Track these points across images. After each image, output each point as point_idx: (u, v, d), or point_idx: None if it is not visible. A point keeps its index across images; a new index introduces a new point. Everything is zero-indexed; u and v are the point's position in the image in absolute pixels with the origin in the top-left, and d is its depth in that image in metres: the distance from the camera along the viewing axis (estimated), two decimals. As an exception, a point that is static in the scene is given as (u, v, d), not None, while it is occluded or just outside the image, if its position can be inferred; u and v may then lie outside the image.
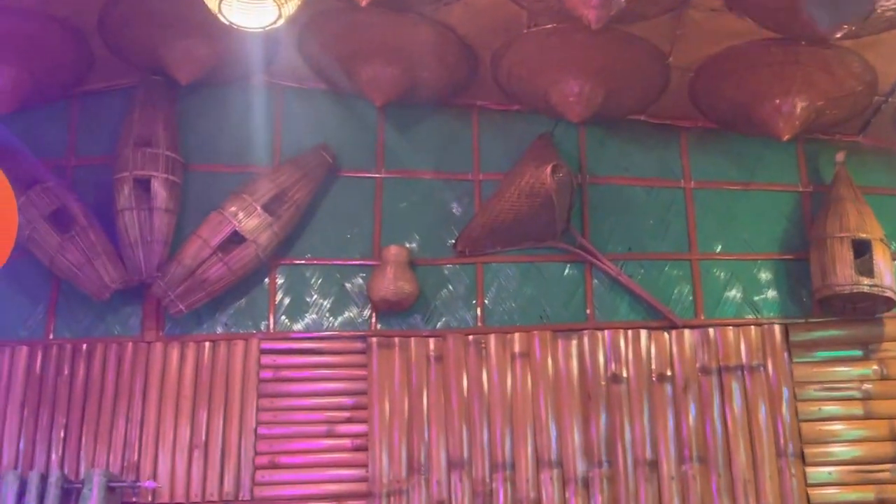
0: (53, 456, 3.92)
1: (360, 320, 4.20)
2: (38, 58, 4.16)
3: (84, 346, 4.10)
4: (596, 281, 4.28)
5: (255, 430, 3.99)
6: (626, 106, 4.36)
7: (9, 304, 4.17)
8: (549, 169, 4.06)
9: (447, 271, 4.29)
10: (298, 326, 4.18)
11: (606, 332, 4.17)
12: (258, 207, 4.10)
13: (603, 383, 4.09)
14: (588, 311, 4.24)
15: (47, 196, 4.10)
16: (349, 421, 4.03)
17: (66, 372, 4.06)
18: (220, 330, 4.16)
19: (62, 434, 3.96)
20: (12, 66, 4.10)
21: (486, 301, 4.25)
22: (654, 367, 4.12)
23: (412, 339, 4.15)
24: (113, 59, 4.30)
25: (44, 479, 3.76)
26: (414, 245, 4.30)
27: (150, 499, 3.88)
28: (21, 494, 3.73)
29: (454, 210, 4.37)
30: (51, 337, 4.13)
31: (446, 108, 4.48)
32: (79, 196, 4.22)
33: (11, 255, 4.11)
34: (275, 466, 3.95)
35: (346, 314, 4.21)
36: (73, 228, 4.06)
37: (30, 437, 3.95)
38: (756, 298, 4.27)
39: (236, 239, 4.08)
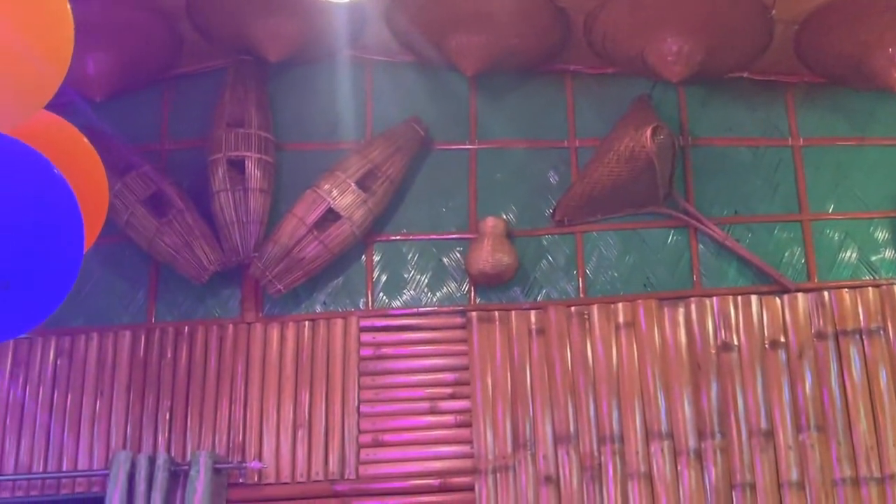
0: (160, 438, 3.95)
1: (458, 295, 4.13)
2: (130, 44, 4.18)
3: (185, 328, 4.11)
4: (701, 246, 4.13)
5: (358, 408, 3.95)
6: (728, 63, 4.19)
7: (111, 289, 4.21)
8: (649, 131, 3.91)
9: (546, 242, 4.18)
10: (397, 303, 4.13)
11: (714, 298, 4.02)
12: (352, 184, 4.05)
13: (713, 352, 3.94)
14: (694, 278, 4.09)
15: (143, 181, 4.11)
16: (452, 397, 3.96)
17: (168, 355, 4.07)
18: (318, 309, 4.13)
19: (168, 416, 3.98)
20: (104, 53, 4.12)
21: (587, 271, 4.13)
22: (766, 333, 3.96)
23: (512, 312, 4.06)
24: (202, 41, 4.30)
25: (152, 461, 3.79)
26: (511, 216, 4.20)
27: (256, 479, 3.88)
28: (132, 475, 3.76)
29: (551, 179, 4.26)
30: (153, 321, 4.15)
31: (539, 75, 4.36)
32: (174, 179, 4.23)
33: (111, 240, 4.18)
34: (379, 445, 3.91)
35: (445, 289, 4.14)
36: (170, 212, 4.07)
37: (136, 419, 3.98)
38: (873, 258, 4.07)
39: (331, 217, 4.04)
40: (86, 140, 1.93)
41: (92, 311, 4.18)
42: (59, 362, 4.09)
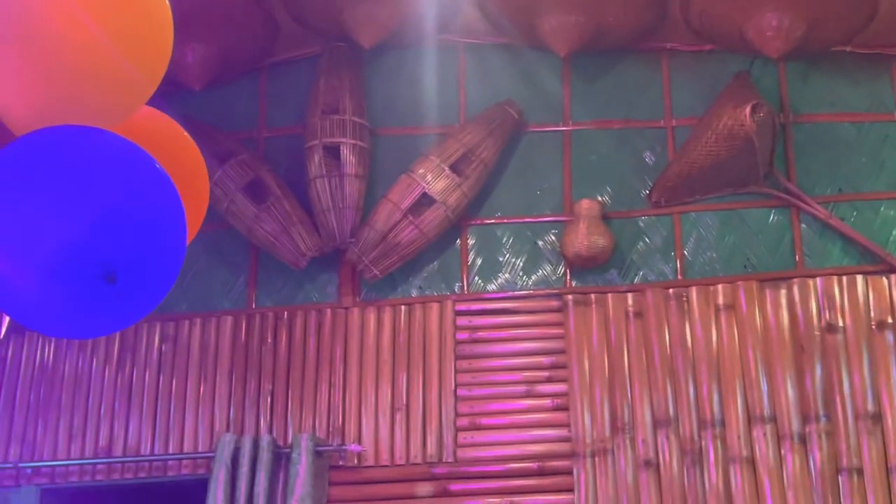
0: (262, 421, 4.02)
1: (554, 278, 4.10)
2: (227, 32, 4.24)
3: (285, 313, 4.17)
4: (804, 226, 4.03)
5: (455, 391, 3.97)
6: (830, 37, 4.06)
7: (212, 275, 4.29)
8: (748, 109, 3.82)
9: (643, 223, 4.13)
10: (492, 286, 4.12)
11: (818, 279, 3.92)
12: (446, 168, 4.06)
13: (817, 333, 3.85)
14: (797, 258, 4.00)
15: (242, 168, 4.18)
16: (548, 380, 3.95)
17: (269, 340, 4.14)
18: (414, 293, 4.15)
19: (269, 400, 4.05)
20: (202, 43, 4.19)
21: (685, 252, 4.06)
22: (872, 314, 3.84)
23: (609, 294, 4.02)
24: (298, 28, 4.34)
25: (255, 443, 3.86)
26: (606, 198, 4.16)
27: (356, 462, 3.92)
28: (235, 457, 3.84)
29: (647, 159, 4.20)
30: (253, 306, 4.22)
31: (634, 54, 4.30)
32: (272, 167, 4.30)
33: (213, 227, 4.26)
34: (476, 428, 3.92)
35: (540, 272, 4.12)
36: (268, 199, 4.13)
37: (239, 403, 4.06)
38: None
39: (426, 201, 4.05)
40: (185, 132, 1.97)
41: (195, 297, 4.27)
42: (164, 347, 4.20)
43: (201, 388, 4.11)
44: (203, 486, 3.86)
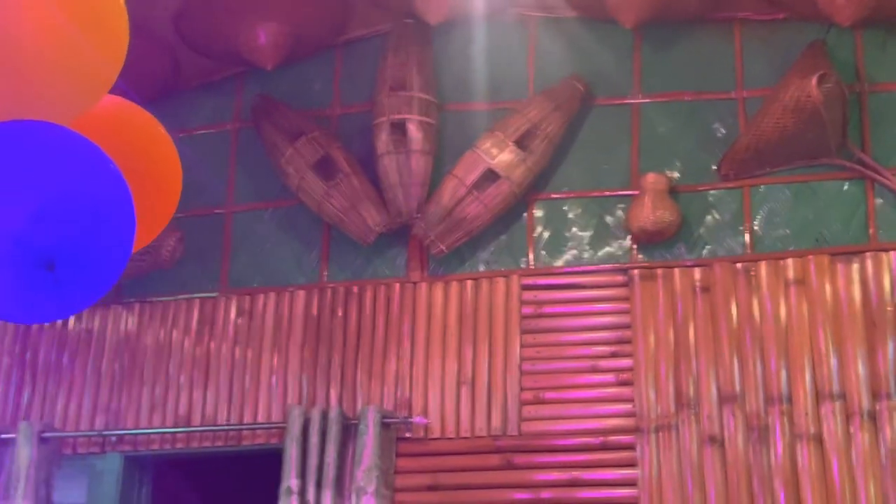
0: (332, 393, 4.12)
1: (620, 252, 4.09)
2: (300, 12, 4.32)
3: (355, 288, 4.26)
4: (879, 199, 3.92)
5: (520, 366, 4.00)
6: (908, 2, 3.92)
7: (286, 251, 4.40)
8: (814, 80, 3.73)
9: (711, 197, 4.07)
10: (558, 261, 4.13)
11: (892, 253, 3.81)
12: (510, 143, 4.07)
13: (889, 309, 3.75)
14: (870, 232, 3.89)
15: (312, 146, 4.27)
16: (613, 355, 3.95)
17: (339, 314, 4.24)
18: (481, 268, 4.18)
19: (339, 372, 4.15)
20: (276, 22, 4.28)
21: (754, 226, 4.00)
22: (948, 290, 3.73)
23: (676, 269, 3.98)
24: (370, 6, 4.39)
25: (325, 415, 3.96)
26: (675, 171, 4.11)
27: (422, 434, 3.99)
28: (305, 428, 3.95)
29: (717, 132, 4.13)
30: (325, 280, 4.32)
31: (704, 24, 4.22)
32: (345, 144, 4.37)
33: (287, 203, 4.36)
34: (540, 402, 3.95)
35: (606, 247, 4.11)
36: (338, 176, 4.21)
37: (310, 375, 4.17)
38: None
39: (490, 176, 4.07)
40: (156, 121, 2.02)
41: (269, 272, 4.39)
42: (239, 321, 4.33)
43: (275, 361, 4.23)
44: (277, 456, 3.98)
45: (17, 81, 1.58)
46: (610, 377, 3.92)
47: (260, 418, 4.17)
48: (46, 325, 4.51)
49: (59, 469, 4.23)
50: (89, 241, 1.51)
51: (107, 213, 1.52)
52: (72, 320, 4.50)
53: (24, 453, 4.12)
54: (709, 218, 4.04)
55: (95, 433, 4.27)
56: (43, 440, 4.17)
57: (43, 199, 1.48)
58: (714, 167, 4.08)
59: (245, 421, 4.17)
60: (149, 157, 1.82)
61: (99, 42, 1.65)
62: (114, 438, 4.27)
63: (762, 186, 4.03)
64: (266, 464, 4.14)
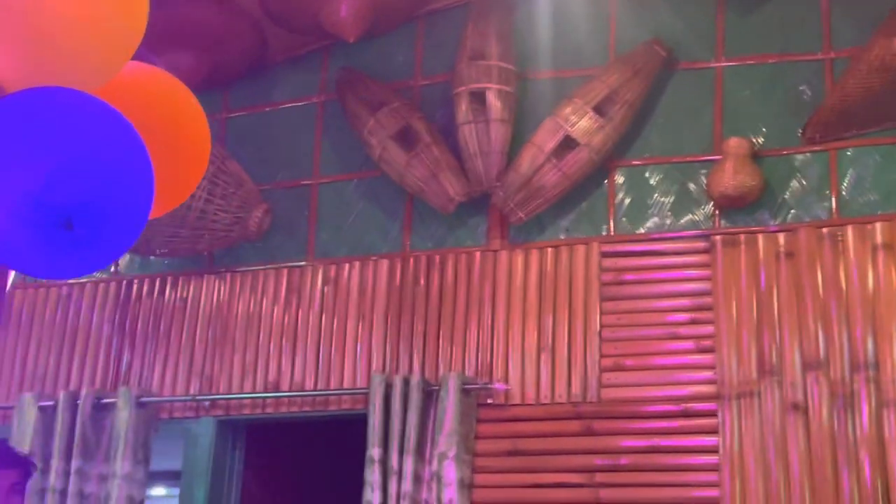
0: (415, 360, 4.19)
1: (702, 219, 4.04)
2: (381, -16, 4.36)
3: (437, 257, 4.31)
4: (972, 160, 3.79)
5: (600, 333, 4.00)
6: None
7: (371, 221, 4.48)
8: (900, 38, 3.61)
9: (797, 161, 3.99)
10: (639, 228, 4.10)
11: None
12: (589, 110, 4.05)
13: (982, 274, 3.63)
14: (963, 195, 3.77)
15: (393, 116, 4.32)
16: (694, 322, 3.91)
17: (421, 282, 4.30)
18: (561, 235, 4.19)
19: (422, 340, 4.21)
20: (357, -5, 4.33)
21: (841, 190, 3.90)
22: None
23: (759, 235, 3.92)
24: (453, -24, 4.42)
25: (406, 382, 4.03)
26: (760, 136, 4.04)
27: (502, 400, 4.03)
28: (388, 395, 4.03)
29: (803, 94, 4.04)
30: (408, 250, 4.38)
31: (789, -16, 4.13)
32: (427, 114, 4.42)
33: (370, 174, 4.44)
34: (620, 369, 3.94)
35: (688, 213, 4.06)
36: (418, 146, 4.26)
37: (394, 342, 4.24)
38: None
39: (569, 143, 4.06)
40: (185, 89, 2.07)
41: (353, 241, 4.48)
42: (325, 289, 4.43)
43: (359, 328, 4.32)
44: (362, 422, 4.07)
45: (38, 48, 1.65)
46: (691, 344, 3.89)
47: (346, 384, 4.26)
48: (144, 294, 4.69)
49: (157, 432, 4.41)
50: (107, 201, 1.58)
51: (124, 174, 1.60)
52: (168, 289, 4.67)
53: (123, 417, 4.30)
54: (794, 182, 3.97)
55: (190, 398, 4.43)
56: (140, 405, 4.35)
57: (60, 161, 1.56)
58: (799, 131, 3.99)
59: (331, 387, 4.28)
60: (175, 122, 1.89)
61: (120, 7, 1.71)
62: (207, 403, 4.42)
63: (849, 149, 3.93)
64: (352, 430, 4.24)
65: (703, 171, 4.07)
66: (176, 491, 5.06)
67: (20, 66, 1.64)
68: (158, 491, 7.27)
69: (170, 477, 6.32)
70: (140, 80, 1.91)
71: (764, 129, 4.05)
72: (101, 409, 4.39)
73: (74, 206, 1.54)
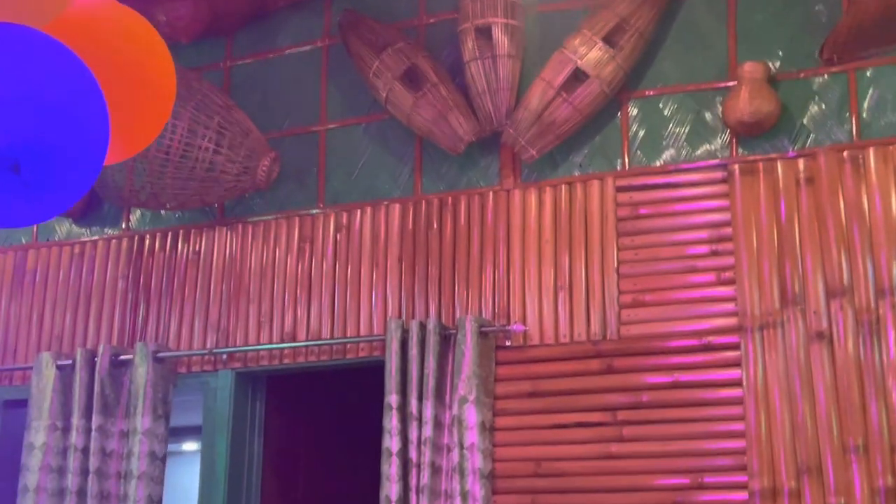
0: (431, 305, 4.13)
1: (719, 148, 3.93)
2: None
3: (449, 199, 4.23)
4: None
5: (617, 269, 3.92)
6: None
7: (380, 165, 4.40)
8: (919, -51, 3.47)
9: (815, 84, 3.86)
10: (654, 161, 4.00)
11: None
12: (598, 41, 3.93)
13: None
14: None
15: (399, 57, 4.22)
16: (713, 254, 3.82)
17: (434, 225, 4.22)
18: (575, 172, 4.09)
19: (437, 284, 4.15)
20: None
21: (861, 112, 3.78)
22: None
23: (778, 162, 3.81)
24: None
25: (423, 326, 3.98)
26: (775, 59, 3.91)
27: (520, 342, 3.97)
28: (404, 340, 3.98)
29: (819, 14, 3.90)
30: (419, 193, 4.30)
31: None
32: (433, 53, 4.31)
33: (378, 117, 4.35)
34: (640, 305, 3.87)
35: (704, 143, 3.95)
36: (425, 86, 4.16)
37: (409, 288, 4.18)
38: None
39: (580, 76, 3.95)
40: (146, 23, 1.96)
41: (364, 187, 4.40)
42: (338, 237, 4.37)
43: (373, 275, 4.26)
44: (379, 369, 4.03)
45: None
46: (711, 276, 3.81)
47: (363, 332, 4.21)
48: (156, 249, 4.65)
49: (175, 387, 4.39)
50: (57, 142, 1.49)
51: (75, 114, 1.51)
52: (180, 242, 4.62)
53: (141, 373, 4.28)
54: (812, 106, 3.85)
55: (207, 352, 4.40)
56: (158, 360, 4.33)
57: (3, 100, 1.47)
58: (816, 52, 3.86)
59: (348, 335, 4.23)
60: (135, 60, 1.79)
61: None
62: (225, 356, 4.39)
63: (869, 69, 3.80)
64: (370, 377, 4.20)
65: (719, 99, 3.95)
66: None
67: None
68: (190, 446, 7.27)
69: (198, 432, 6.30)
70: (94, 15, 1.82)
71: (780, 53, 3.92)
72: (119, 366, 4.38)
73: (20, 148, 1.46)
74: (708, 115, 3.96)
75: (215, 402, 4.39)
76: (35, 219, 1.60)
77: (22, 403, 4.57)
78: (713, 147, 3.94)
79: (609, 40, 3.93)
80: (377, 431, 3.94)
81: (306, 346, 4.29)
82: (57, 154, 1.49)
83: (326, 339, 4.25)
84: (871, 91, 3.78)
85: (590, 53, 3.92)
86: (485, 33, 4.08)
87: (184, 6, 4.48)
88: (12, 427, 4.74)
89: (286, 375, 4.46)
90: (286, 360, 4.32)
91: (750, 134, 3.83)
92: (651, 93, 4.05)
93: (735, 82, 3.88)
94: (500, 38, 4.04)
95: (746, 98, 3.76)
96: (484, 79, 4.05)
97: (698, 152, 3.95)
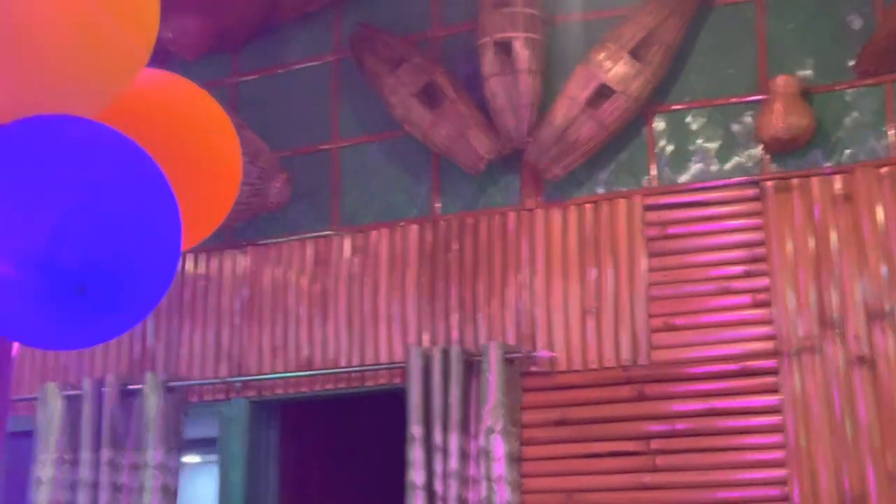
0: (452, 330, 3.98)
1: (750, 164, 3.79)
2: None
3: (469, 219, 4.08)
4: None
5: (647, 291, 3.78)
6: None
7: (396, 184, 4.24)
8: (965, -43, 3.33)
9: (849, 97, 3.72)
10: (683, 178, 3.86)
11: None
12: (625, 55, 3.78)
13: None
14: None
15: (415, 73, 4.07)
16: (747, 275, 3.68)
17: (454, 246, 4.08)
18: (600, 190, 3.95)
19: (458, 307, 4.00)
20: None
21: (899, 125, 3.65)
22: None
23: (813, 178, 3.68)
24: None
25: (445, 353, 3.83)
26: (808, 72, 3.77)
27: (547, 368, 3.83)
28: (426, 368, 3.83)
29: (853, 24, 3.76)
30: (437, 213, 4.15)
31: None
32: (449, 67, 4.16)
33: (393, 135, 4.19)
34: (671, 328, 3.73)
35: (735, 158, 3.81)
36: (443, 103, 4.01)
37: (428, 312, 4.03)
38: None
39: (605, 92, 3.80)
40: (208, 97, 1.77)
41: (380, 207, 4.25)
42: (354, 259, 4.22)
43: (392, 298, 4.11)
44: (399, 396, 3.88)
45: (28, 71, 1.39)
46: (745, 298, 3.67)
47: (382, 358, 4.06)
48: (164, 273, 4.49)
49: (187, 416, 4.24)
50: (127, 257, 1.31)
51: (147, 223, 1.32)
52: (189, 266, 4.46)
53: (152, 403, 4.13)
54: (847, 119, 3.71)
55: (219, 380, 4.25)
56: (169, 389, 4.17)
57: (68, 210, 1.28)
58: (851, 63, 3.72)
59: (366, 362, 4.08)
60: (201, 144, 1.60)
61: (126, 11, 1.44)
62: (238, 385, 4.24)
63: (906, 81, 3.66)
64: (389, 405, 4.05)
65: (749, 113, 3.81)
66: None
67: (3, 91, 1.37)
68: (191, 458, 7.08)
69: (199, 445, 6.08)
70: (148, 94, 1.63)
71: (811, 64, 3.78)
72: (128, 396, 4.22)
73: (87, 267, 1.28)
74: (738, 130, 3.82)
75: (229, 432, 4.23)
76: (100, 339, 1.43)
77: (26, 435, 4.41)
78: (744, 163, 3.79)
79: (636, 54, 3.79)
80: (397, 459, 3.79)
81: (323, 374, 4.13)
82: (127, 270, 1.32)
83: (344, 367, 4.10)
84: (909, 104, 3.64)
85: (616, 68, 3.78)
86: (504, 48, 3.92)
87: (190, 22, 4.32)
88: (16, 460, 4.57)
89: (302, 403, 4.31)
90: (303, 389, 4.17)
91: (784, 150, 3.70)
92: (678, 107, 3.91)
93: (765, 95, 3.74)
94: (521, 52, 3.89)
95: (781, 113, 3.62)
96: (505, 95, 3.90)
97: (729, 168, 3.81)
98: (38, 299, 1.34)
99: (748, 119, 3.80)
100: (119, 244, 1.30)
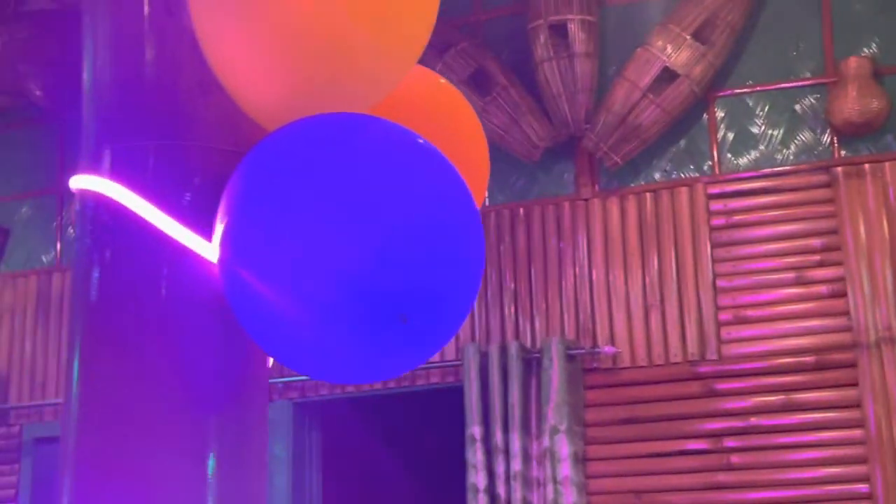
0: (508, 325, 3.83)
1: (818, 148, 3.65)
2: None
3: (521, 210, 3.93)
4: None
5: (714, 283, 3.63)
6: None
7: (442, 174, 4.07)
8: None
9: (921, 77, 3.59)
10: (748, 164, 3.71)
11: None
12: (688, 37, 3.63)
13: None
14: None
15: (463, 59, 3.90)
16: (820, 265, 3.55)
17: (507, 239, 3.92)
18: (659, 177, 3.80)
19: (514, 302, 3.85)
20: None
21: (976, 107, 3.51)
22: None
23: (887, 163, 3.54)
24: None
25: (504, 351, 3.68)
26: (875, 52, 3.63)
27: (611, 364, 3.68)
28: (483, 366, 3.68)
29: (923, 1, 3.63)
30: (487, 204, 3.99)
31: None
32: (494, 53, 3.99)
33: (436, 124, 4.01)
34: (741, 322, 3.59)
35: (802, 143, 3.67)
36: (494, 90, 3.85)
37: (482, 307, 3.87)
38: None
39: (667, 76, 3.65)
40: (459, 94, 1.62)
41: (425, 198, 4.08)
42: (399, 253, 4.04)
43: (442, 294, 3.94)
44: (453, 394, 3.73)
45: (300, 64, 1.22)
46: (819, 289, 3.54)
47: (434, 357, 3.89)
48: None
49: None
50: (442, 279, 1.14)
51: (454, 237, 1.15)
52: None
53: (192, 408, 3.95)
54: (920, 101, 3.57)
55: (261, 382, 4.07)
56: (209, 393, 3.99)
57: (390, 230, 1.11)
58: (922, 42, 3.59)
59: (417, 360, 3.91)
60: (458, 144, 1.44)
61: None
62: (281, 386, 4.07)
63: (983, 59, 3.53)
64: (443, 403, 3.90)
65: (815, 96, 3.67)
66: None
67: (277, 86, 1.21)
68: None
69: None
70: (413, 91, 1.47)
71: (879, 43, 3.64)
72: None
73: (409, 295, 1.11)
74: (804, 114, 3.68)
75: (273, 434, 4.05)
76: (415, 364, 1.27)
77: (54, 441, 4.22)
78: (812, 148, 3.65)
79: (699, 36, 3.63)
80: (454, 459, 3.65)
81: (371, 373, 3.97)
82: (441, 291, 1.16)
83: (393, 365, 3.94)
84: None
85: (679, 51, 3.62)
86: (559, 30, 3.76)
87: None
88: (44, 466, 4.40)
89: (349, 403, 4.15)
90: (350, 389, 4.01)
91: (857, 134, 3.56)
92: (741, 90, 3.76)
93: (833, 78, 3.60)
94: (577, 34, 3.73)
95: (854, 96, 3.48)
96: (560, 80, 3.74)
97: (795, 154, 3.67)
98: (356, 331, 1.18)
99: (814, 101, 3.66)
100: (436, 264, 1.14)
